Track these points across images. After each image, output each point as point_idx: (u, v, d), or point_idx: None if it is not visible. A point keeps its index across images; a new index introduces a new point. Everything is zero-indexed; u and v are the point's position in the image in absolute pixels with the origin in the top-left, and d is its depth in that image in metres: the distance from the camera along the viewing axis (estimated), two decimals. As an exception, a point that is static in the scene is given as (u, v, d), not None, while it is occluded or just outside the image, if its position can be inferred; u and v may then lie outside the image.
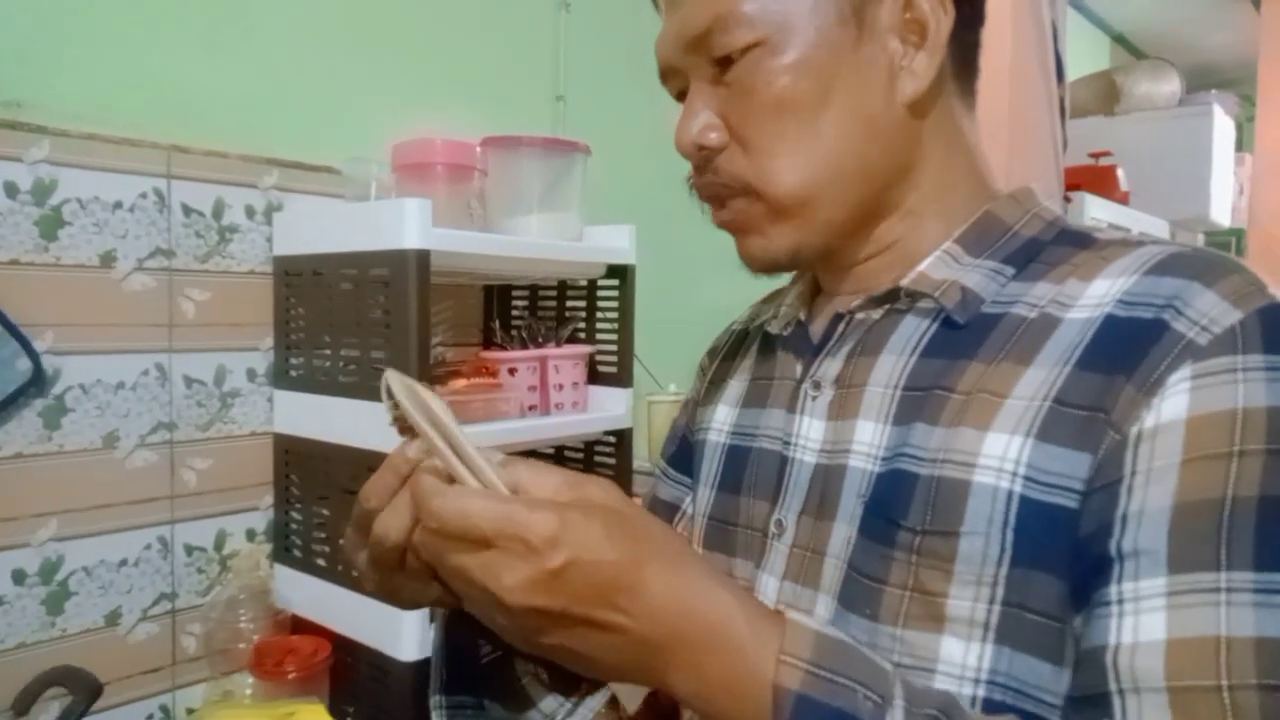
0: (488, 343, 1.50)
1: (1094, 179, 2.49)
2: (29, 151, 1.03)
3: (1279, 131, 3.27)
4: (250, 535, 1.24)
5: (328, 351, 1.16)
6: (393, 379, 0.48)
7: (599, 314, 1.41)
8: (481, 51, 1.54)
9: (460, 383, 1.21)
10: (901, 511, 0.51)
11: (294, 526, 1.23)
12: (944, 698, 0.43)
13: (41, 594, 1.06)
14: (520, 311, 1.51)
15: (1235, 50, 3.81)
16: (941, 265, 0.56)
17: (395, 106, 1.38)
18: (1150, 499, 0.44)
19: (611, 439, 1.39)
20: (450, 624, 0.60)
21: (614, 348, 1.39)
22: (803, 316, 0.64)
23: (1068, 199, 2.03)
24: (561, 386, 1.33)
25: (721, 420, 0.69)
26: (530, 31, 1.63)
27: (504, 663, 0.60)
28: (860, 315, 0.59)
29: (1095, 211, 2.34)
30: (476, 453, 0.46)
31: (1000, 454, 0.48)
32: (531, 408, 1.30)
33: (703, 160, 0.57)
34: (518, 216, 1.26)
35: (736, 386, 0.70)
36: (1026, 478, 0.47)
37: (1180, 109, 2.95)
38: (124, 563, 1.12)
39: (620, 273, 1.36)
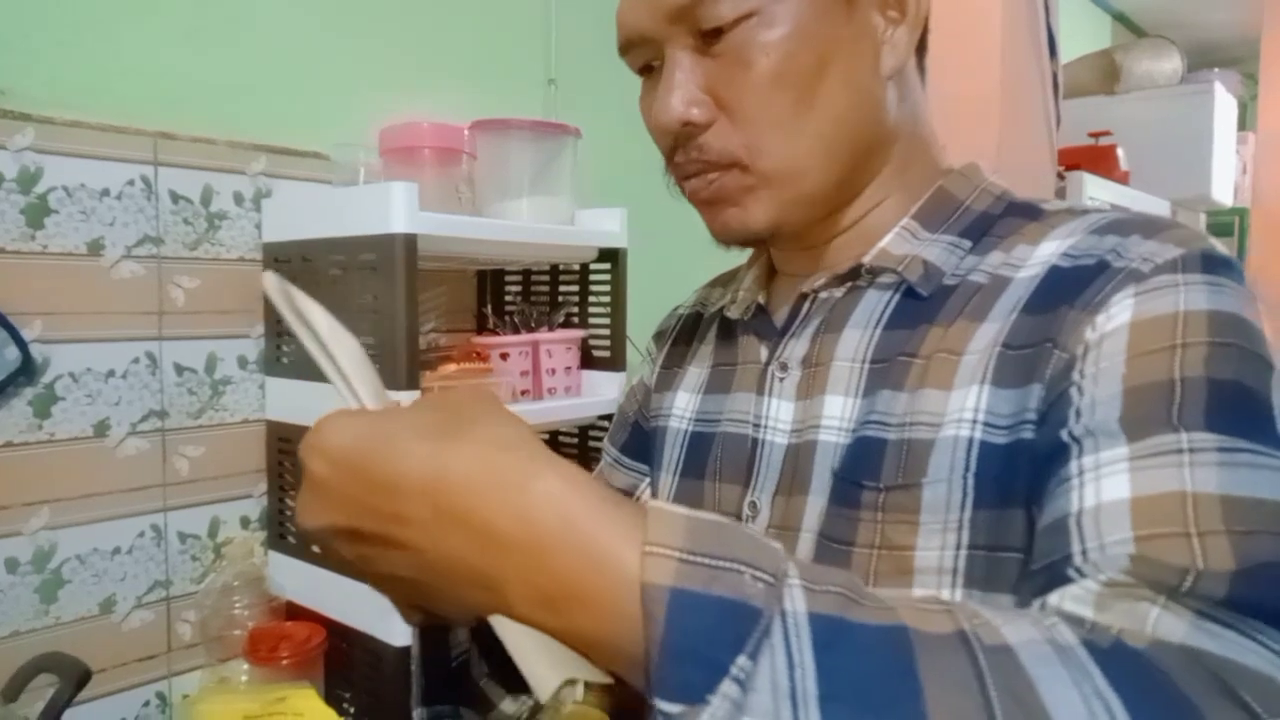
0: (481, 328, 1.49)
1: (1094, 158, 2.47)
2: (13, 139, 1.02)
3: (1281, 109, 3.25)
4: (244, 522, 1.24)
5: (318, 337, 1.16)
6: (269, 282, 0.44)
7: (591, 298, 1.41)
8: (472, 35, 1.53)
9: (451, 368, 1.21)
10: (872, 476, 0.51)
11: (288, 513, 1.23)
12: (846, 576, 0.36)
13: (35, 582, 1.06)
14: (513, 296, 1.51)
15: (1238, 28, 3.77)
16: (901, 241, 0.57)
17: (385, 91, 1.37)
18: (1100, 389, 0.44)
19: (605, 423, 1.38)
20: (423, 631, 0.59)
21: (606, 331, 1.38)
22: (761, 300, 0.64)
23: (1061, 177, 2.01)
24: (554, 371, 1.33)
25: (682, 407, 0.68)
26: (521, 14, 1.62)
27: (466, 666, 0.59)
28: (824, 294, 0.59)
29: (1094, 191, 2.33)
30: (348, 362, 0.43)
31: (960, 406, 0.49)
32: (524, 392, 1.30)
33: (685, 136, 0.55)
34: (508, 200, 1.25)
35: (695, 373, 0.69)
36: (985, 424, 0.48)
37: (1181, 87, 2.92)
38: (117, 550, 1.12)
39: (612, 256, 1.36)
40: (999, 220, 0.57)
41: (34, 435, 1.05)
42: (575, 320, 1.42)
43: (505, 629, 0.37)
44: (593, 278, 1.40)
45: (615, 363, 1.37)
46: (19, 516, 1.04)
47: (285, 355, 1.21)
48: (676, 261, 1.88)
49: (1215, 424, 0.41)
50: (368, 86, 1.36)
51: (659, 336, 0.78)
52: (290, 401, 1.20)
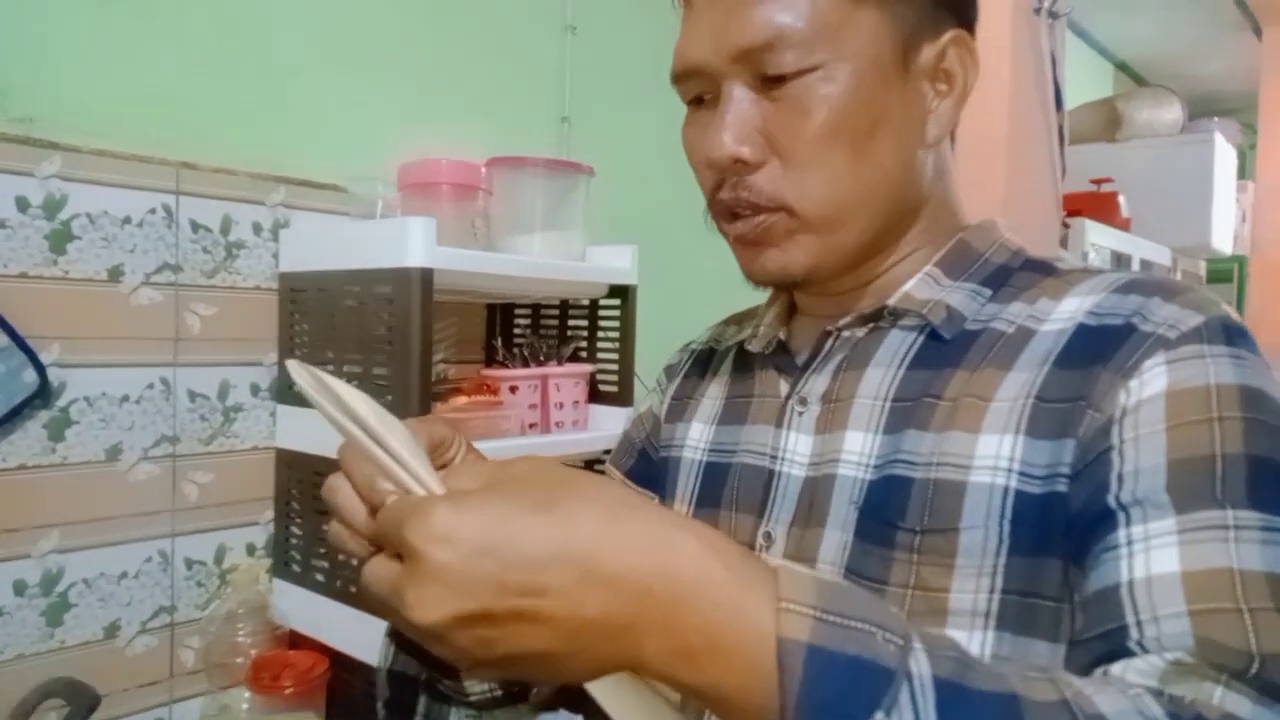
0: (490, 360, 1.50)
1: (1095, 205, 2.51)
2: (40, 166, 1.05)
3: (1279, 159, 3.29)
4: (250, 550, 1.25)
5: (331, 367, 1.17)
6: (295, 371, 0.43)
7: (600, 333, 1.42)
8: (489, 72, 1.56)
9: (461, 400, 1.22)
10: (899, 514, 0.53)
11: (294, 541, 1.23)
12: (954, 641, 0.39)
13: (41, 605, 1.06)
14: (522, 330, 1.52)
15: (1237, 78, 3.83)
16: (925, 286, 0.60)
17: (403, 126, 1.40)
18: (1144, 458, 0.46)
19: (611, 458, 1.39)
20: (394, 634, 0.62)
21: (615, 367, 1.40)
22: (782, 336, 0.66)
23: (1066, 225, 2.04)
24: (562, 405, 1.34)
25: (696, 438, 0.70)
26: (537, 54, 1.65)
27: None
28: (846, 333, 0.62)
29: (1096, 238, 2.36)
30: (402, 446, 0.41)
31: (994, 453, 0.51)
32: (532, 425, 1.31)
33: (732, 173, 0.57)
34: (521, 236, 1.27)
35: (709, 405, 0.71)
36: (1020, 473, 0.50)
37: (1182, 136, 2.97)
38: (124, 575, 1.13)
39: (622, 292, 1.37)
40: (1016, 273, 0.60)
41: (47, 458, 1.06)
42: (583, 355, 1.43)
43: (608, 695, 0.39)
44: (602, 313, 1.42)
45: (623, 398, 1.38)
46: (29, 539, 1.05)
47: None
48: (685, 299, 1.90)
49: (1257, 501, 0.44)
50: (386, 121, 1.39)
51: (670, 369, 0.80)
52: (300, 430, 1.21)
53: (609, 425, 1.37)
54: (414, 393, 1.05)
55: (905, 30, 0.56)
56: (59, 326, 1.07)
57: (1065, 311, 0.54)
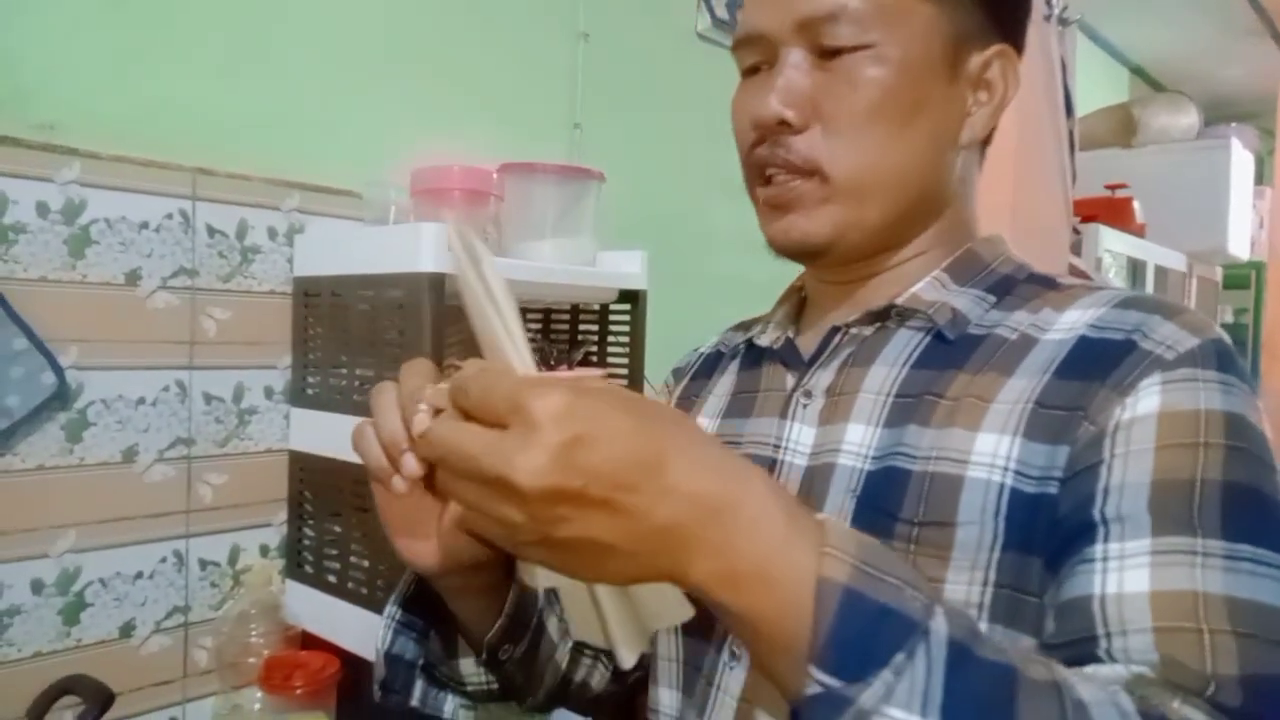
0: (501, 364, 1.51)
1: (1111, 210, 2.50)
2: (60, 172, 1.06)
3: (1298, 165, 3.26)
4: (263, 551, 1.26)
5: (344, 371, 1.18)
6: (452, 231, 0.46)
7: (611, 337, 1.43)
8: (501, 79, 1.58)
9: (472, 404, 1.23)
10: (895, 504, 0.55)
11: (306, 543, 1.25)
12: (970, 616, 0.42)
13: (59, 604, 1.08)
14: (534, 334, 1.53)
15: (1254, 83, 3.80)
16: (932, 289, 0.62)
17: (416, 132, 1.41)
18: (1130, 475, 0.49)
19: (621, 462, 1.40)
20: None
21: (625, 371, 1.40)
22: (791, 333, 0.69)
23: (1077, 231, 2.04)
24: (572, 409, 1.34)
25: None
26: (549, 60, 1.66)
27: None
28: (854, 330, 0.64)
29: (1111, 243, 2.35)
30: (518, 328, 0.44)
31: (991, 451, 0.53)
32: (542, 429, 1.31)
33: (774, 133, 0.60)
34: (532, 241, 1.28)
35: (715, 400, 0.73)
36: (1016, 472, 0.52)
37: (1198, 141, 2.95)
38: (139, 575, 1.14)
39: (632, 297, 1.38)
40: (1020, 284, 0.63)
41: (65, 459, 1.08)
42: (594, 359, 1.44)
43: (609, 597, 0.44)
44: (612, 318, 1.43)
45: (632, 402, 1.39)
46: (46, 539, 1.07)
47: (310, 387, 1.24)
48: (694, 304, 1.91)
49: (1228, 530, 0.47)
50: (400, 127, 1.40)
51: (678, 371, 0.83)
52: (313, 432, 1.22)
53: (619, 429, 1.38)
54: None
55: (957, 33, 0.60)
56: (77, 329, 1.08)
57: (1067, 322, 0.57)
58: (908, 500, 0.54)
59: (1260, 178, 3.33)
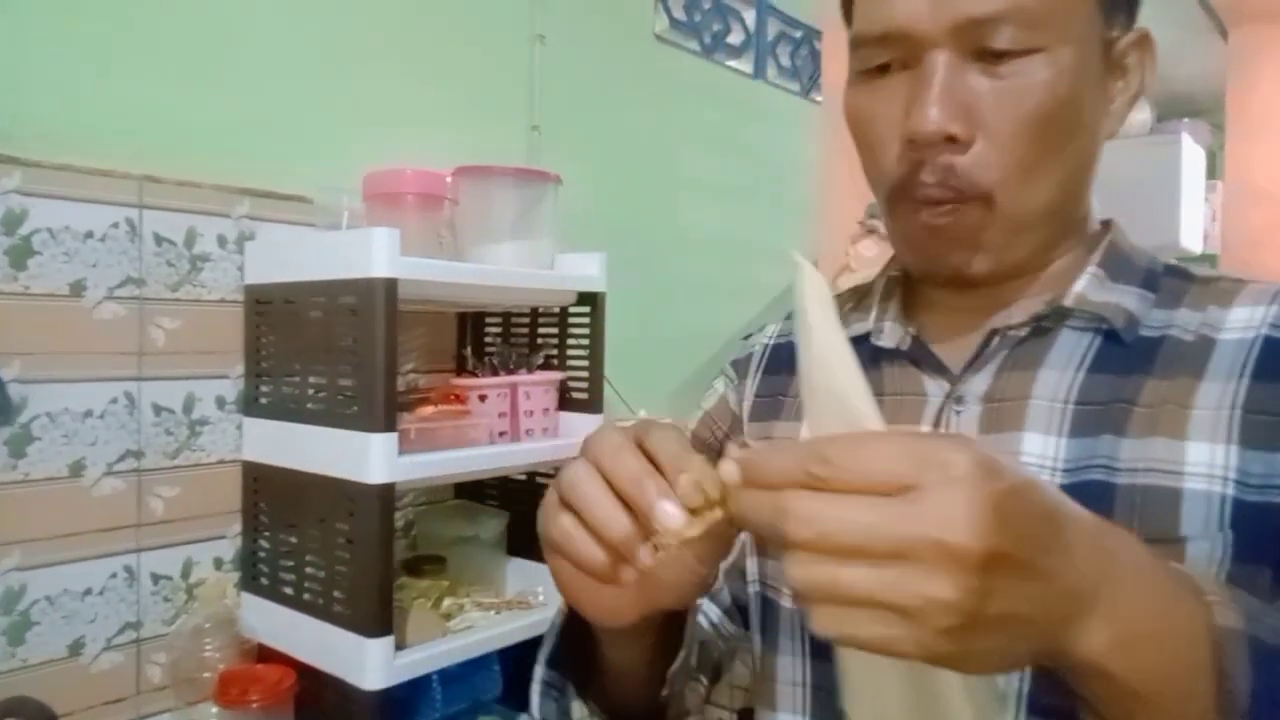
0: (460, 369, 1.50)
1: (1066, 206, 2.53)
2: (0, 182, 1.04)
3: (1247, 159, 3.34)
4: (218, 563, 1.24)
5: (297, 379, 1.17)
6: (808, 276, 0.40)
7: (570, 340, 1.43)
8: (457, 82, 1.56)
9: (428, 409, 1.22)
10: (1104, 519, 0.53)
11: (262, 554, 1.23)
12: None
13: (2, 624, 1.05)
14: (493, 338, 1.52)
15: (1205, 80, 3.87)
16: (1095, 287, 0.58)
17: (369, 135, 1.40)
18: None
19: (582, 465, 1.39)
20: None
21: (585, 374, 1.40)
22: (912, 332, 0.63)
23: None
24: (532, 413, 1.34)
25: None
26: (505, 62, 1.65)
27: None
28: (1010, 332, 0.59)
29: (1067, 238, 2.38)
30: (867, 385, 0.39)
31: (1207, 461, 0.51)
32: (501, 434, 1.31)
33: (935, 150, 0.53)
34: (489, 245, 1.28)
35: None
36: (1238, 481, 0.50)
37: (1151, 137, 3.00)
38: (89, 592, 1.12)
39: (591, 300, 1.38)
40: (1162, 278, 0.60)
41: (9, 475, 1.05)
42: (554, 362, 1.43)
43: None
44: (572, 320, 1.42)
45: (593, 405, 1.39)
46: (-10, 557, 1.04)
47: (263, 396, 1.22)
48: (654, 305, 1.91)
49: None
50: (352, 131, 1.39)
51: (739, 364, 0.76)
52: (267, 442, 1.20)
53: (579, 432, 1.37)
54: (379, 403, 1.05)
55: (1111, 19, 0.56)
56: (20, 343, 1.06)
57: (1239, 321, 0.55)
58: (1116, 515, 0.51)
59: (1212, 172, 3.39)
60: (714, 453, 0.73)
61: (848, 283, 2.17)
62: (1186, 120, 3.27)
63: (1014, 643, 0.34)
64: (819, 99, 2.40)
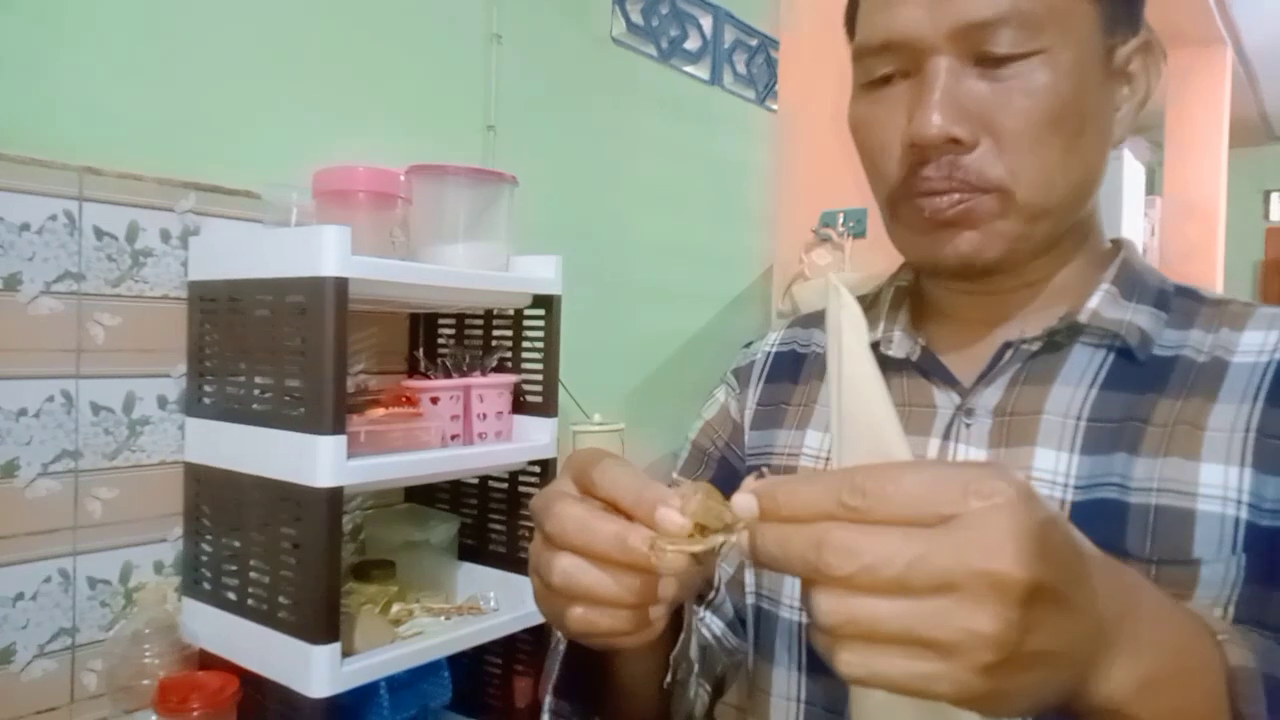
0: (413, 371, 1.48)
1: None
2: (-71, 170, 1.00)
3: (1185, 175, 3.46)
4: (158, 567, 1.20)
5: (242, 379, 1.14)
6: (840, 299, 0.39)
7: (525, 343, 1.42)
8: (412, 80, 1.55)
9: (378, 412, 1.20)
10: (1116, 539, 0.52)
11: (204, 559, 1.19)
12: None
13: (-72, 631, 1.01)
14: (446, 340, 1.50)
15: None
16: (1110, 305, 0.58)
17: (321, 131, 1.37)
18: None
19: (536, 469, 1.38)
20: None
21: (539, 377, 1.39)
22: (921, 342, 0.63)
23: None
24: (485, 416, 1.33)
25: (817, 446, 0.67)
26: (461, 62, 1.64)
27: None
28: (1023, 346, 0.59)
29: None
30: (895, 414, 0.38)
31: (1221, 483, 0.51)
32: (454, 437, 1.29)
33: (940, 153, 0.54)
34: (443, 245, 1.26)
35: (821, 410, 0.67)
36: (1251, 505, 0.51)
37: (1094, 153, 3.09)
38: (20, 597, 1.08)
39: (546, 302, 1.37)
40: (1173, 298, 0.60)
41: (-65, 476, 1.01)
42: (508, 365, 1.42)
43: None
44: (527, 323, 1.41)
45: (547, 408, 1.38)
46: (-86, 561, 1.00)
47: (207, 396, 1.19)
48: (609, 309, 1.91)
49: None
50: (303, 126, 1.36)
51: (739, 373, 0.76)
52: (210, 443, 1.17)
53: (533, 435, 1.37)
54: (327, 405, 1.03)
55: (1108, 27, 0.56)
56: (-51, 337, 1.02)
57: (1253, 345, 0.56)
58: (1130, 535, 0.51)
59: (1151, 188, 3.50)
60: (713, 461, 0.74)
61: (802, 291, 2.19)
62: (1128, 138, 3.37)
63: (1045, 682, 0.33)
64: (774, 107, 2.42)
